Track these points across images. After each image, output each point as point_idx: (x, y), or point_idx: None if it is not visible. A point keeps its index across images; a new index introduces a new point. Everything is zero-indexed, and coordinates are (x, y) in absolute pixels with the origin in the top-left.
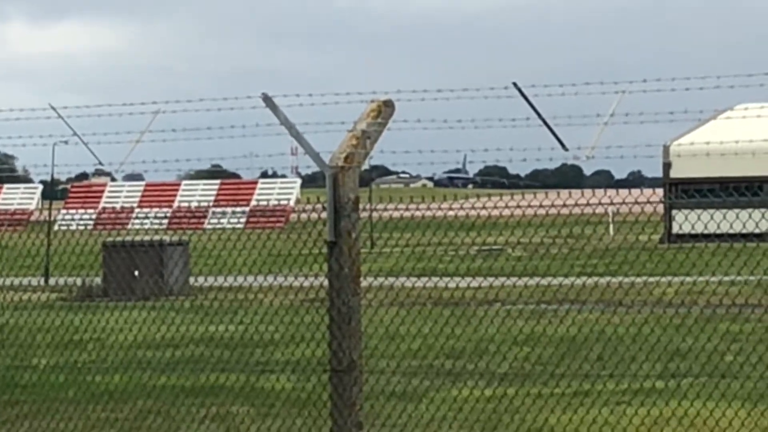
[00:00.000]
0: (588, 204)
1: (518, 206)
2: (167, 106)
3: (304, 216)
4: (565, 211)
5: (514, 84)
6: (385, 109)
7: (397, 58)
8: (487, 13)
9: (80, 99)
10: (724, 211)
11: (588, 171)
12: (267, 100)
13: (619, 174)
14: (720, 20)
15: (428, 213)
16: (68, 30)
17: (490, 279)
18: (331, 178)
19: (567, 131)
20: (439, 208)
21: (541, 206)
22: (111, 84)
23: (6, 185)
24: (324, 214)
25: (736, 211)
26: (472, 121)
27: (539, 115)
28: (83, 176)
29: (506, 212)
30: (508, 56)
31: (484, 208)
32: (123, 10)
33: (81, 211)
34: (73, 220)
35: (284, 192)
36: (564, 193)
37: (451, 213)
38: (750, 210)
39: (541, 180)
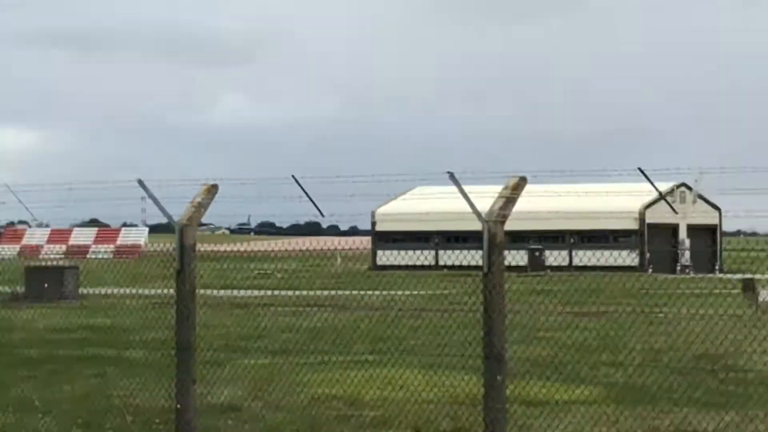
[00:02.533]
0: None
1: (283, 247)
2: (78, 184)
3: (150, 252)
4: (311, 249)
5: (293, 176)
6: (213, 189)
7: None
8: (268, 126)
9: (17, 176)
10: (406, 251)
11: (325, 225)
12: (141, 183)
13: (344, 227)
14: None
15: (227, 250)
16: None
17: (265, 291)
18: (179, 232)
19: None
20: (235, 248)
21: (296, 247)
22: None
23: None
24: (166, 250)
25: (414, 251)
26: (269, 197)
27: (309, 197)
28: (11, 224)
29: (275, 249)
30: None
31: (261, 248)
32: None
33: (10, 246)
34: (5, 252)
35: (138, 236)
36: (311, 238)
37: (241, 250)
38: (422, 251)
39: (296, 230)
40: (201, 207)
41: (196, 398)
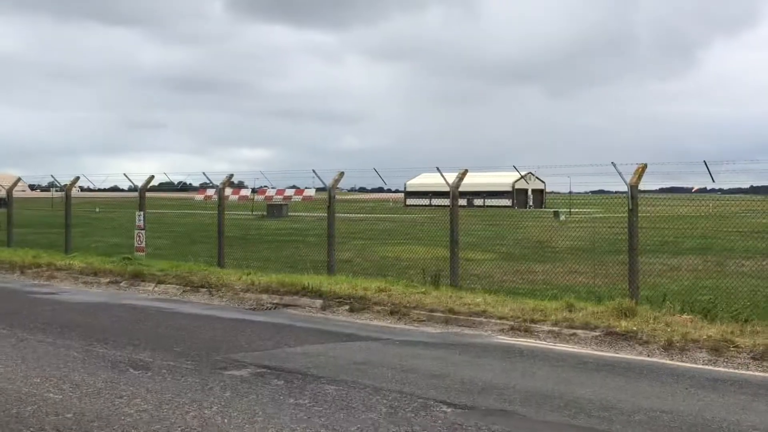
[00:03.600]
0: None
1: None
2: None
3: None
4: None
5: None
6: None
7: None
8: None
9: None
10: None
11: None
12: (314, 172)
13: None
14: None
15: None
16: None
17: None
18: (328, 192)
19: None
20: None
21: None
22: None
23: None
24: None
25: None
26: None
27: None
28: (263, 188)
29: None
30: None
31: None
32: None
33: (259, 196)
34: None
35: (310, 192)
36: None
37: None
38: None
39: None
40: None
41: (334, 256)
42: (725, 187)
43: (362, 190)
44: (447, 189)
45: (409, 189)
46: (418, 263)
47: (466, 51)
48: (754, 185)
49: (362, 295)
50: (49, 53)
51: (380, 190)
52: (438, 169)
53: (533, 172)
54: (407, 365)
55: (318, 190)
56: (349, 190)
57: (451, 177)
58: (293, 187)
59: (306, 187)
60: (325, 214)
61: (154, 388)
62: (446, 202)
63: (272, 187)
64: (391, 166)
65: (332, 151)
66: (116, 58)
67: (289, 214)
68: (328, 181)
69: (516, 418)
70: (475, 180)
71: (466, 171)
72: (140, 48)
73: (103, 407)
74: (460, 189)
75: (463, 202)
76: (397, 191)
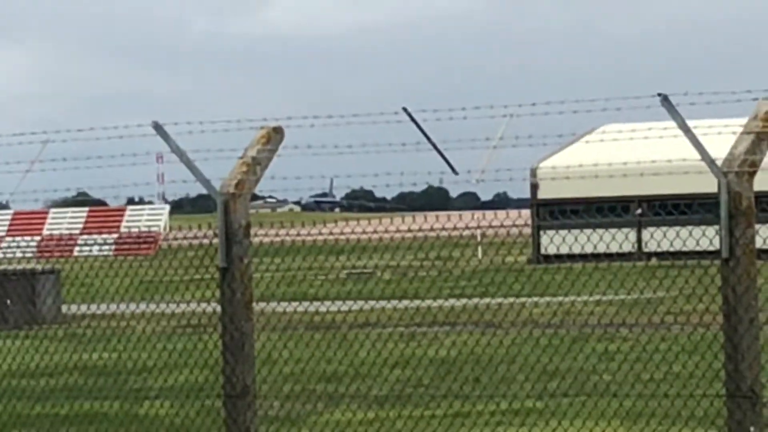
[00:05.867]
0: (456, 228)
1: (387, 231)
2: (56, 135)
3: (175, 242)
4: (433, 233)
5: (404, 109)
6: (275, 136)
7: (276, 83)
8: (346, 35)
9: None
10: (590, 231)
11: (454, 193)
12: (158, 128)
13: (485, 196)
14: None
15: (298, 238)
16: None
17: (362, 302)
18: (223, 205)
19: (449, 155)
20: (309, 234)
21: (409, 230)
22: None
23: None
24: (198, 241)
25: (602, 231)
26: (363, 146)
27: (429, 138)
28: None
29: (374, 236)
30: (366, 79)
31: (353, 232)
32: None
33: None
34: None
35: (153, 218)
36: (433, 215)
37: (320, 237)
38: (615, 230)
39: (407, 203)
40: (256, 165)
41: None
42: None
43: (365, 199)
44: (702, 185)
45: (547, 189)
46: None
47: None
48: None
49: None
50: None
51: (438, 199)
52: (666, 102)
53: None
54: None
55: (178, 207)
56: (310, 204)
57: (720, 134)
58: (81, 202)
59: (132, 202)
60: (212, 305)
61: None
62: (702, 237)
63: None
64: (481, 95)
65: (229, 45)
66: None
67: (64, 308)
68: (220, 171)
69: None
70: None
71: None
72: None
73: None
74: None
75: None
76: (500, 202)
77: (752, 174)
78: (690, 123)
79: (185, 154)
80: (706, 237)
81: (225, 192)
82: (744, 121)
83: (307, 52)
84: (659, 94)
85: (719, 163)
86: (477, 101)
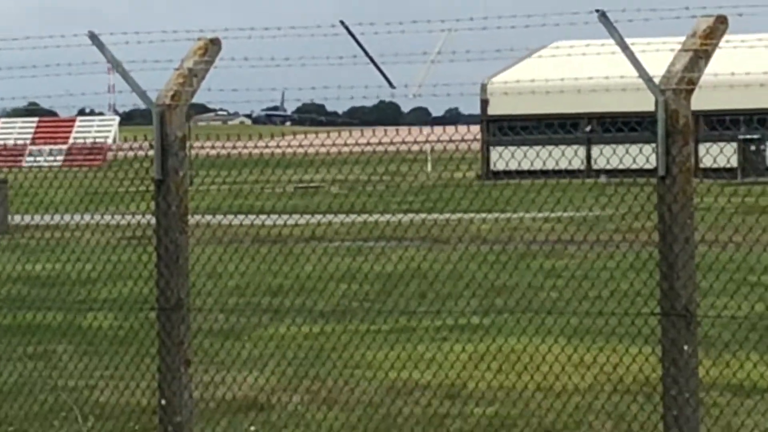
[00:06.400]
0: (405, 142)
1: (335, 144)
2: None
3: (121, 154)
4: (383, 148)
5: (341, 22)
6: (211, 47)
7: None
8: None
9: None
10: (539, 147)
11: (406, 108)
12: (93, 38)
13: (437, 111)
14: None
15: (245, 151)
16: None
17: (309, 216)
18: (158, 116)
19: (390, 69)
20: (255, 146)
21: (357, 144)
22: None
23: None
24: (143, 153)
25: (551, 147)
26: (300, 58)
27: (366, 52)
28: None
29: (324, 150)
30: None
31: (301, 145)
32: None
33: None
34: None
35: (102, 130)
36: (382, 130)
37: (268, 150)
38: (564, 147)
39: (359, 117)
40: (193, 76)
41: (190, 390)
42: None
43: (315, 114)
44: (643, 103)
45: (497, 105)
46: (540, 411)
47: None
48: None
49: None
50: None
51: (389, 113)
52: (603, 18)
53: None
54: None
55: (128, 119)
56: (260, 117)
57: (658, 51)
58: (31, 112)
59: (82, 113)
60: (148, 217)
61: None
62: (644, 156)
63: None
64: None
65: None
66: None
67: (10, 219)
68: (159, 82)
69: None
70: (761, 62)
71: (719, 23)
72: None
73: None
74: (709, 102)
75: (715, 152)
76: (451, 118)
77: (690, 92)
78: (628, 41)
79: (121, 65)
80: (643, 155)
81: (161, 103)
82: (682, 39)
83: None
84: (597, 11)
85: (657, 81)
86: (416, 17)
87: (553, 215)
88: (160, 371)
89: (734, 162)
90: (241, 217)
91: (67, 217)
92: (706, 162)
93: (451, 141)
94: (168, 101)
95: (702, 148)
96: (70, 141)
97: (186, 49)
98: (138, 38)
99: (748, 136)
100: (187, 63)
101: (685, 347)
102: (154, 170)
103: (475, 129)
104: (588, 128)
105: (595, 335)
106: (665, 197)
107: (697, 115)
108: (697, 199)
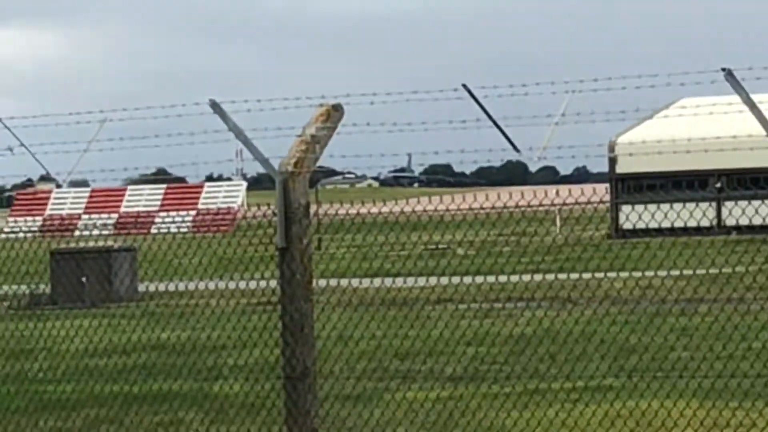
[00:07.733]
0: (533, 206)
1: (459, 209)
2: (113, 114)
3: (252, 220)
4: (512, 208)
5: (464, 86)
6: (333, 113)
7: (339, 60)
8: (422, 13)
9: (19, 105)
10: (669, 205)
11: (533, 168)
12: (215, 106)
13: (565, 170)
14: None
15: (374, 211)
16: (5, 36)
17: (438, 278)
18: (281, 184)
19: (515, 131)
20: (381, 210)
21: (482, 208)
22: (50, 90)
23: None
24: (267, 220)
25: (681, 205)
26: (422, 123)
27: (489, 116)
28: (29, 183)
29: (452, 210)
30: (442, 55)
31: (425, 210)
32: (59, 15)
33: (27, 218)
34: (19, 227)
35: (230, 195)
36: (511, 190)
37: (396, 210)
38: (694, 204)
39: (486, 177)
40: (315, 143)
41: None
42: None
43: (443, 175)
44: None
45: (626, 164)
46: None
47: None
48: None
49: None
50: None
51: (516, 174)
52: (730, 77)
53: None
54: None
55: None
56: (388, 179)
57: None
58: (159, 179)
59: (210, 179)
60: (273, 283)
61: None
62: None
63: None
64: (546, 68)
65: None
66: None
67: (140, 286)
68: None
69: None
70: None
71: None
72: None
73: None
74: None
75: None
76: (579, 177)
77: None
78: (755, 97)
79: (243, 133)
80: None
81: (284, 171)
82: None
83: (366, 31)
84: (723, 69)
85: None
86: (540, 78)
87: (683, 274)
88: None
89: None
90: (368, 280)
91: (195, 284)
92: None
93: (576, 203)
94: (291, 168)
95: None
96: (199, 206)
97: (307, 114)
98: (260, 106)
99: None
100: (309, 129)
101: None
102: (277, 238)
103: (601, 188)
104: (718, 185)
105: (729, 397)
106: None
107: None
108: None
